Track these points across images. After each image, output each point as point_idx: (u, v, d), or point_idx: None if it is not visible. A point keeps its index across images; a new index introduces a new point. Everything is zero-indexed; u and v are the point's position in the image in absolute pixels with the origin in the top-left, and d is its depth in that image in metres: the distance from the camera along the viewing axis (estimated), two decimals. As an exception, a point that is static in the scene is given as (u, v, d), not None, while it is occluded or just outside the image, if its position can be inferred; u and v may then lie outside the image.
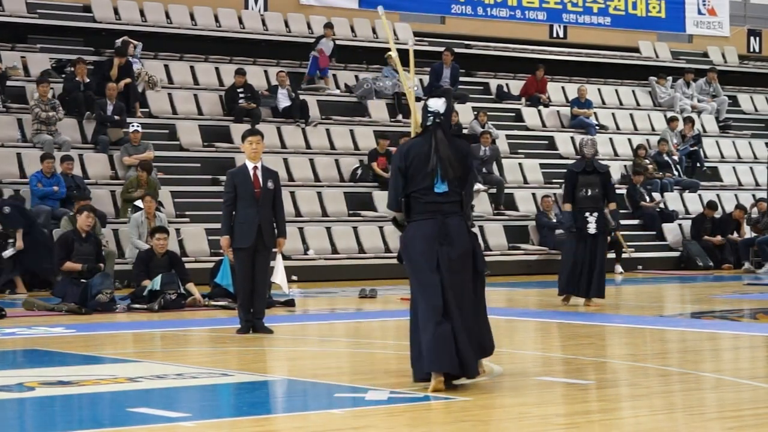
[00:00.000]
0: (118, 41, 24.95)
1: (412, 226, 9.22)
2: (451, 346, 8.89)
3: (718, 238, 26.74)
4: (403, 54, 11.00)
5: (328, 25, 27.59)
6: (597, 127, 29.70)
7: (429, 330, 8.92)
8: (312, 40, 27.80)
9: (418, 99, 27.49)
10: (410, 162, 9.21)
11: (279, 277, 13.91)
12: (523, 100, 29.71)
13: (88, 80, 23.70)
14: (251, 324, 13.18)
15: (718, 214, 27.44)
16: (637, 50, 33.11)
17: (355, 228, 23.51)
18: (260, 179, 13.21)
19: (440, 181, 9.16)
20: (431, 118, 9.33)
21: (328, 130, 25.98)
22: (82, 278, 16.47)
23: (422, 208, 9.18)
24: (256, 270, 13.20)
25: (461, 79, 28.88)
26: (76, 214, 17.62)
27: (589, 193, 16.71)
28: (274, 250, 13.50)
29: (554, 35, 32.13)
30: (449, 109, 9.48)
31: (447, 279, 9.00)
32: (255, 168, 13.23)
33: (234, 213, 13.13)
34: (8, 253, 19.08)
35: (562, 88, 30.89)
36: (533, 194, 26.40)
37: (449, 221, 9.14)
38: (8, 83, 23.57)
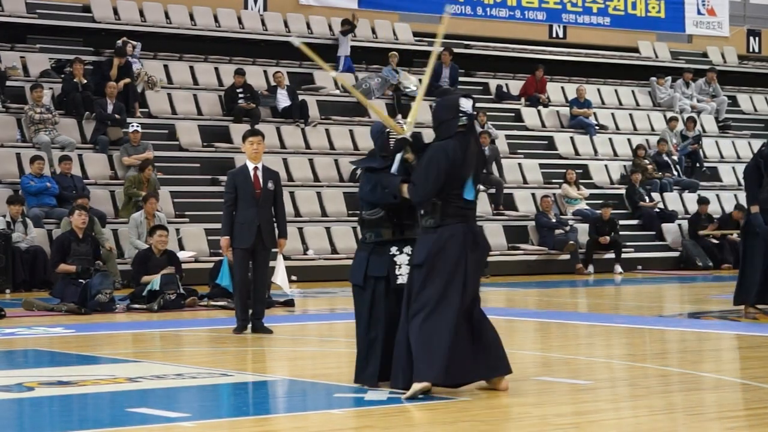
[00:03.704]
0: (119, 42, 24.95)
1: (444, 230, 8.84)
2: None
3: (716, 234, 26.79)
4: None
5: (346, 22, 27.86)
6: (596, 127, 29.70)
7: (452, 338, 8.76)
8: (311, 40, 27.88)
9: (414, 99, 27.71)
10: (452, 164, 8.82)
11: (280, 277, 13.90)
12: (523, 100, 29.71)
13: (85, 80, 23.70)
14: (248, 323, 13.15)
15: (717, 214, 27.46)
16: (636, 50, 33.10)
17: (354, 228, 23.48)
18: (261, 180, 13.21)
19: (471, 187, 8.91)
20: (464, 119, 8.96)
21: (327, 130, 25.98)
22: (79, 278, 16.46)
23: (454, 212, 8.86)
24: (255, 270, 13.19)
25: (460, 79, 28.87)
26: (69, 214, 17.63)
27: None
28: (274, 250, 13.49)
29: (554, 35, 32.12)
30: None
31: (470, 285, 8.80)
32: (255, 168, 13.23)
33: (234, 213, 13.13)
34: None
35: (562, 88, 30.88)
36: (533, 194, 26.39)
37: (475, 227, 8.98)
38: (8, 83, 23.56)
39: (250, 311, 13.26)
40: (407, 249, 9.11)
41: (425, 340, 8.65)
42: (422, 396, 8.67)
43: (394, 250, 9.13)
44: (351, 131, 26.28)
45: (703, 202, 27.10)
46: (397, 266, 9.10)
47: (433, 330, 8.66)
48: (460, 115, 8.93)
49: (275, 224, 13.35)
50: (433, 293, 8.72)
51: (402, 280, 9.03)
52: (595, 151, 29.20)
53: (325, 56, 28.00)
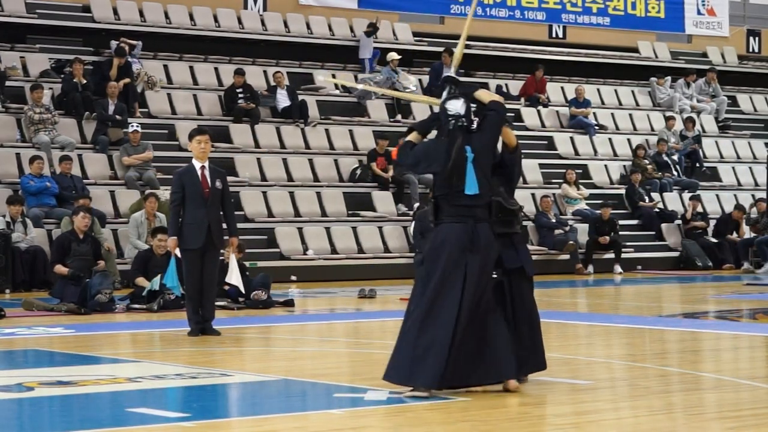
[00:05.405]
0: (115, 42, 24.93)
1: (442, 227, 8.92)
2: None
3: (703, 222, 26.86)
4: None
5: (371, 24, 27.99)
6: (596, 127, 29.71)
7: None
8: (311, 40, 27.95)
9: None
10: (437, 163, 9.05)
11: (234, 277, 13.90)
12: (522, 100, 29.71)
13: (85, 80, 23.70)
14: (201, 326, 12.96)
15: (717, 214, 27.48)
16: (636, 50, 33.11)
17: (354, 228, 23.49)
18: (208, 179, 13.11)
19: (472, 182, 9.05)
20: (452, 122, 9.13)
21: (327, 131, 25.98)
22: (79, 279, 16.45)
23: (451, 211, 8.95)
24: (204, 271, 12.91)
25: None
26: (73, 215, 17.63)
27: None
28: (225, 249, 13.43)
29: (553, 35, 32.12)
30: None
31: (470, 285, 8.74)
32: (202, 168, 13.14)
33: (182, 213, 12.96)
34: None
35: (561, 88, 30.88)
36: (532, 194, 26.38)
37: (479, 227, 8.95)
38: (7, 83, 23.56)
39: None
40: None
41: (423, 343, 8.63)
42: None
43: None
44: (351, 131, 26.27)
45: (694, 199, 27.18)
46: None
47: (431, 333, 8.63)
48: (449, 119, 9.15)
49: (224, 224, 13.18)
50: (430, 294, 8.71)
51: None
52: (595, 151, 29.20)
53: (325, 56, 28.19)
